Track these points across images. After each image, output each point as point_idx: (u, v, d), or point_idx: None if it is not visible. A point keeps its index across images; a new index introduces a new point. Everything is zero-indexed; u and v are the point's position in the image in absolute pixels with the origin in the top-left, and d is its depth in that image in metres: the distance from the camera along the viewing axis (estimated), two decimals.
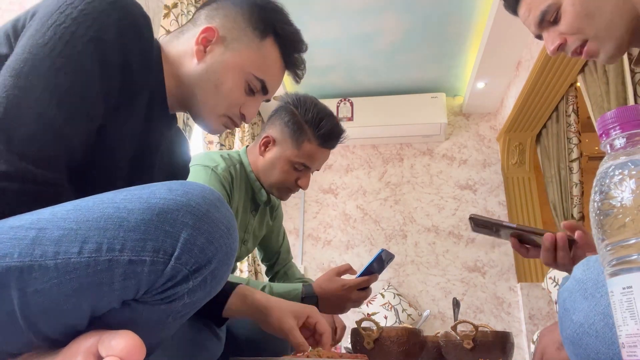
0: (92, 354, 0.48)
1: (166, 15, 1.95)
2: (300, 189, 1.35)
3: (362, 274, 1.21)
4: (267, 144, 1.33)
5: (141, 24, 0.69)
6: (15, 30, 0.65)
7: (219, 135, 2.54)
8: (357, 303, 1.22)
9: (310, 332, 0.94)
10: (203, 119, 0.84)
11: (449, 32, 2.85)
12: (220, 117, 0.84)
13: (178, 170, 0.94)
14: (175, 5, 1.99)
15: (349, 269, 1.25)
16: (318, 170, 1.37)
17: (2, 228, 0.50)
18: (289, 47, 0.88)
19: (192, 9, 2.13)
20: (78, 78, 0.61)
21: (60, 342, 0.51)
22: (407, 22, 2.81)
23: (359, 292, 1.21)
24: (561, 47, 0.91)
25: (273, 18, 0.85)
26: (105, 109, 0.65)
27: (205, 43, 0.81)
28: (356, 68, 3.27)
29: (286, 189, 1.34)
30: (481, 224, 1.00)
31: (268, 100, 0.92)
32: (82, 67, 0.61)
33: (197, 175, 1.22)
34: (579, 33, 0.88)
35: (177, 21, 1.98)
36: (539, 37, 0.96)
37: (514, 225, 0.95)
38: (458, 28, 2.81)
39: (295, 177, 1.32)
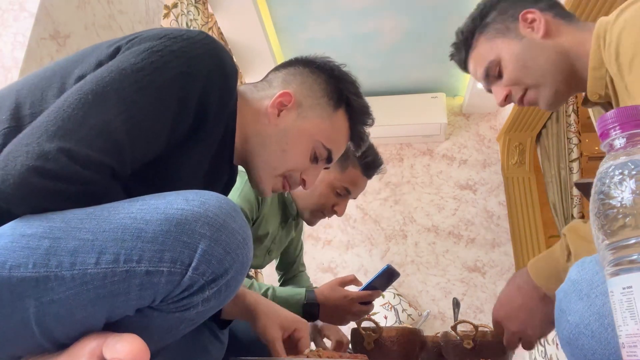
0: (97, 356, 0.48)
1: (166, 15, 1.95)
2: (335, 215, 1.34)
3: (365, 288, 1.20)
4: None
5: (231, 75, 0.70)
6: (111, 55, 0.65)
7: None
8: (358, 317, 1.20)
9: (294, 346, 0.93)
10: (259, 177, 0.84)
11: (449, 32, 2.84)
12: (276, 178, 0.84)
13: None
14: (175, 5, 1.99)
15: (353, 280, 1.24)
16: (355, 199, 1.36)
17: (14, 236, 0.50)
18: (358, 119, 0.90)
19: (192, 9, 2.13)
20: (154, 103, 0.61)
21: (69, 345, 0.52)
22: (407, 22, 2.81)
23: (361, 305, 1.20)
24: (508, 98, 0.98)
25: (347, 90, 0.87)
26: (168, 141, 0.65)
27: (281, 106, 0.82)
28: (356, 68, 3.25)
29: (320, 213, 1.34)
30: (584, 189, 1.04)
31: (327, 168, 0.93)
32: (162, 94, 0.61)
33: None
34: (519, 83, 0.95)
35: (177, 21, 1.98)
36: (490, 91, 1.03)
37: None
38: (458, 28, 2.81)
39: (333, 202, 1.31)
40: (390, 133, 3.53)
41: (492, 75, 0.98)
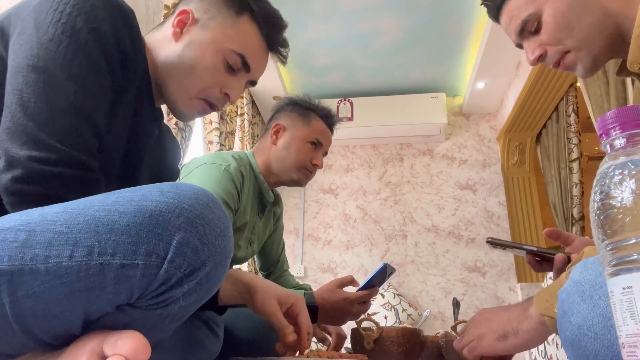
0: (97, 353, 0.47)
1: (166, 15, 1.95)
2: (316, 170, 1.43)
3: (363, 287, 1.21)
4: (278, 131, 1.41)
5: (131, 17, 0.71)
6: (2, 33, 0.65)
7: (219, 135, 2.54)
8: (357, 316, 1.22)
9: (292, 322, 0.90)
10: (175, 102, 0.82)
11: (449, 32, 2.85)
12: (194, 100, 0.82)
13: (166, 167, 0.93)
14: (175, 5, 1.99)
15: (351, 281, 1.25)
16: (326, 153, 1.45)
17: None
18: (267, 23, 0.87)
19: None
20: (90, 68, 0.63)
21: (56, 346, 0.51)
22: (407, 22, 2.80)
23: (359, 305, 1.22)
24: (541, 58, 0.91)
25: None
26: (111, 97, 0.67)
27: (182, 25, 0.82)
28: (356, 68, 3.27)
29: (304, 169, 1.39)
30: (498, 245, 1.02)
31: (254, 84, 0.91)
32: (90, 56, 0.63)
33: (208, 173, 1.23)
34: (559, 44, 0.88)
35: None
36: (520, 46, 0.95)
37: (530, 248, 0.97)
38: (458, 28, 2.81)
39: (310, 156, 1.39)
40: (390, 133, 3.53)
41: (528, 30, 0.90)
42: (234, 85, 0.84)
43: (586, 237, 0.99)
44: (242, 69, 0.84)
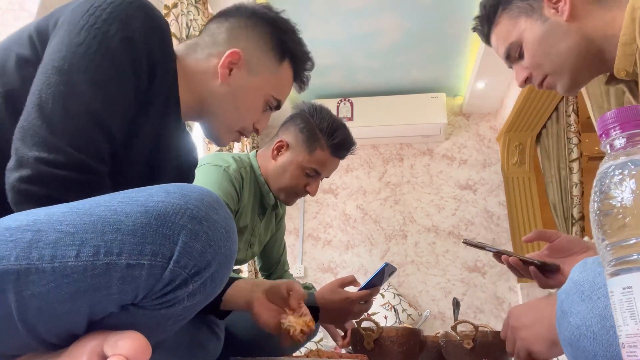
0: (97, 353, 0.47)
1: (166, 15, 1.95)
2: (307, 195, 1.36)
3: (364, 287, 1.21)
4: (280, 148, 1.35)
5: (164, 29, 0.72)
6: (40, 35, 0.67)
7: None
8: (358, 316, 1.22)
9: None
10: (217, 134, 0.90)
11: (449, 32, 2.85)
12: (233, 133, 0.90)
13: (185, 172, 0.94)
14: (175, 5, 1.99)
15: (353, 281, 1.25)
16: (327, 177, 1.39)
17: None
18: (301, 67, 0.96)
19: (192, 9, 2.13)
20: (115, 75, 0.64)
21: (59, 346, 0.51)
22: (407, 22, 2.80)
23: (360, 305, 1.21)
24: (528, 80, 0.99)
25: (291, 41, 0.92)
26: (133, 110, 0.68)
27: (230, 65, 0.85)
28: (356, 68, 3.27)
29: (294, 193, 1.35)
30: (472, 246, 1.05)
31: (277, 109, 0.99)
32: (117, 64, 0.64)
33: (208, 174, 1.22)
34: (539, 69, 0.95)
35: (177, 21, 1.98)
36: (511, 67, 1.03)
37: (491, 249, 1.00)
38: (458, 28, 2.81)
39: (305, 182, 1.33)
40: (390, 133, 3.53)
41: (513, 56, 0.98)
42: (263, 121, 0.94)
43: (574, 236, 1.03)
44: (274, 108, 0.95)
